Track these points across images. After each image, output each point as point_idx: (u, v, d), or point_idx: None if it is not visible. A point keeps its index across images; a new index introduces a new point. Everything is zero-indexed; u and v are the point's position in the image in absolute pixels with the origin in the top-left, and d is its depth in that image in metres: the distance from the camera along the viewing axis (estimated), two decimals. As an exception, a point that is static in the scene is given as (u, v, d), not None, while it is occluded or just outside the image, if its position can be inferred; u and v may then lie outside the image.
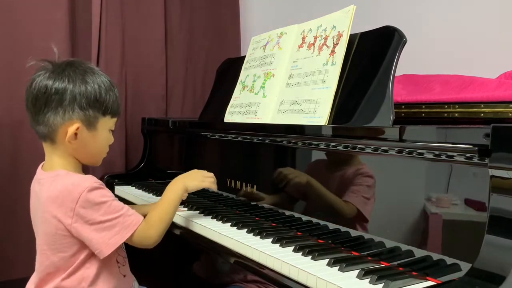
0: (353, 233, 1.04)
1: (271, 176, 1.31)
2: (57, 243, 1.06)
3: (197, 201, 1.47)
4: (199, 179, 1.26)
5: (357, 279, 0.83)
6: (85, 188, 1.02)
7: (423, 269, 0.86)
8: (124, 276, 1.15)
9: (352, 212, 1.04)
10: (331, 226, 1.09)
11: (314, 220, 1.14)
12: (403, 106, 1.30)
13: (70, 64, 1.09)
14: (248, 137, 1.38)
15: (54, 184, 1.06)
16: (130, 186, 1.80)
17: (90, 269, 1.07)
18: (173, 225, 1.25)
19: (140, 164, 1.99)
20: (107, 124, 1.12)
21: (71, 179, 1.06)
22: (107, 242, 1.03)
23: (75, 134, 1.07)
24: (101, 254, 1.04)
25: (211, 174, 1.29)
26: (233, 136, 1.45)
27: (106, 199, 1.05)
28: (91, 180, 1.05)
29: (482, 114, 1.14)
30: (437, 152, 0.86)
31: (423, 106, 1.26)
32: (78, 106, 1.06)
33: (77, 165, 1.13)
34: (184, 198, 1.22)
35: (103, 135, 1.12)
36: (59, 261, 1.06)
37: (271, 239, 1.06)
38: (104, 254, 1.04)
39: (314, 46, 1.30)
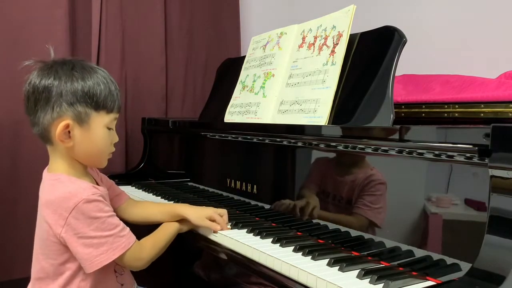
0: (353, 233, 1.04)
1: (271, 176, 1.31)
2: (47, 249, 1.03)
3: (197, 201, 1.47)
4: (199, 214, 1.18)
5: (357, 279, 0.83)
6: (81, 199, 0.98)
7: (423, 269, 0.86)
8: (122, 285, 1.12)
9: (358, 221, 1.04)
10: (331, 226, 1.09)
11: (314, 220, 1.14)
12: (403, 106, 1.30)
13: (59, 62, 1.05)
14: (248, 137, 1.37)
15: (52, 188, 1.03)
16: (130, 186, 1.79)
17: (86, 281, 1.03)
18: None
19: (140, 164, 1.99)
20: (102, 120, 1.05)
21: (69, 187, 1.01)
22: (92, 260, 0.99)
23: (68, 132, 1.02)
24: (86, 270, 1.01)
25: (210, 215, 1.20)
26: (233, 136, 1.45)
27: (101, 214, 1.00)
28: (90, 192, 1.01)
29: (482, 114, 1.14)
30: (437, 152, 0.86)
31: (423, 106, 1.26)
32: (65, 102, 1.00)
33: (80, 168, 1.08)
34: (183, 231, 1.19)
35: (99, 133, 1.05)
36: (48, 267, 1.03)
37: (271, 239, 1.06)
38: (88, 271, 1.00)
39: (314, 46, 1.30)
